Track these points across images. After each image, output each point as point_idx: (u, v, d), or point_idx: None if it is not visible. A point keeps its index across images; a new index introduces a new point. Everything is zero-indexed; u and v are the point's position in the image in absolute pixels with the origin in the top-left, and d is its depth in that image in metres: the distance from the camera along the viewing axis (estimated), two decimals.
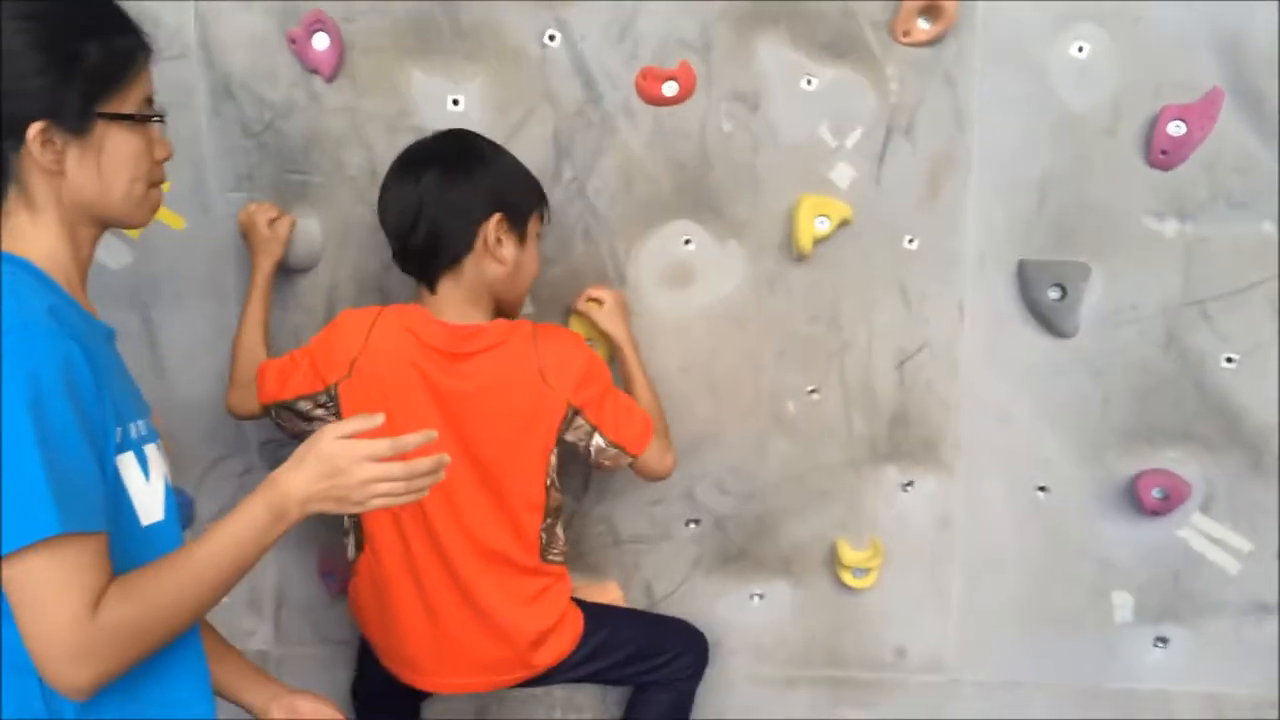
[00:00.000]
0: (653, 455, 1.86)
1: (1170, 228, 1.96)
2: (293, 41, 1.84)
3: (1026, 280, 1.99)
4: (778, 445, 2.07)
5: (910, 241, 2.00)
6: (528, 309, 1.98)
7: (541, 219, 1.82)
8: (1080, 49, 1.91)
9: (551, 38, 1.89)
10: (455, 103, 1.91)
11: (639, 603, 2.18)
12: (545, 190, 1.86)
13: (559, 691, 2.21)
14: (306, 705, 1.51)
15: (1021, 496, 2.10)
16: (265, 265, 1.87)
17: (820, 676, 2.17)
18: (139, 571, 1.18)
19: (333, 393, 1.74)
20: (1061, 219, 1.98)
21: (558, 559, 1.88)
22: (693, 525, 2.12)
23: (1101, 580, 2.12)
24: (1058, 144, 1.95)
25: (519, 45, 1.89)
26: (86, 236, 1.29)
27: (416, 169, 1.71)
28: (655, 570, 2.16)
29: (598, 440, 1.80)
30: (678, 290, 1.99)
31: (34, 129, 1.18)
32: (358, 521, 1.86)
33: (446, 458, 1.29)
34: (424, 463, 1.28)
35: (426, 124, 1.90)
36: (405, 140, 1.85)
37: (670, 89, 1.90)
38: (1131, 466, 2.05)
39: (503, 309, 1.82)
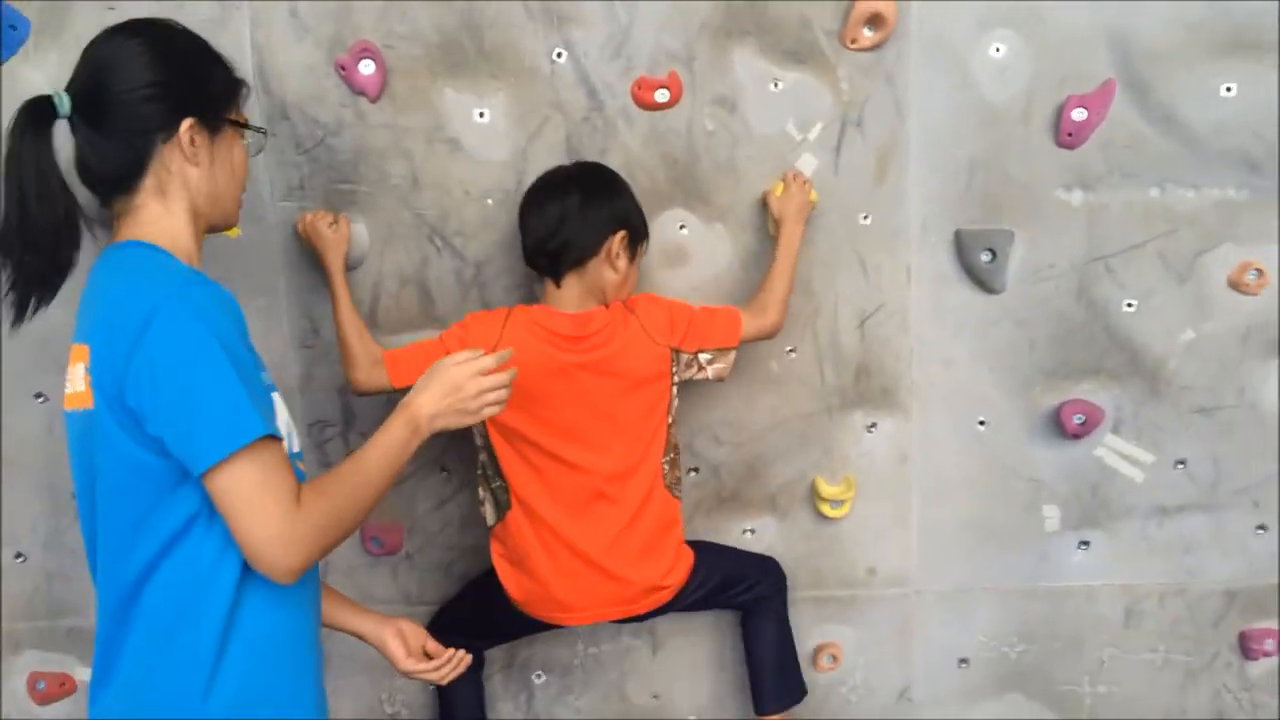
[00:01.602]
0: (752, 330, 2.22)
1: (1077, 197, 2.32)
2: (342, 68, 2.09)
3: (962, 246, 2.34)
4: (764, 398, 2.39)
5: (865, 218, 2.33)
6: None
7: (644, 247, 2.17)
8: (997, 49, 2.24)
9: (559, 55, 2.18)
10: (481, 115, 2.18)
11: None
12: None
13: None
14: (410, 629, 1.81)
15: (965, 430, 2.45)
16: (337, 260, 2.14)
17: (805, 597, 2.50)
18: (322, 476, 1.46)
19: None
20: (988, 193, 2.32)
21: (676, 490, 2.21)
22: (693, 473, 2.43)
23: (1033, 496, 2.48)
24: (982, 130, 2.28)
25: (533, 63, 2.17)
26: (200, 230, 1.55)
27: (562, 189, 2.09)
28: None
29: (703, 357, 2.17)
30: (676, 269, 2.30)
31: (187, 122, 1.46)
32: (498, 490, 2.16)
33: (515, 369, 1.62)
34: (514, 370, 1.61)
35: (458, 135, 2.19)
36: (441, 150, 2.15)
37: (662, 95, 2.20)
38: (1055, 399, 2.41)
39: None
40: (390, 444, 1.51)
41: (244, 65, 2.07)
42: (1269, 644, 2.54)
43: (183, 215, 1.50)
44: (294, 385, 2.31)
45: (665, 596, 2.22)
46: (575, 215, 2.05)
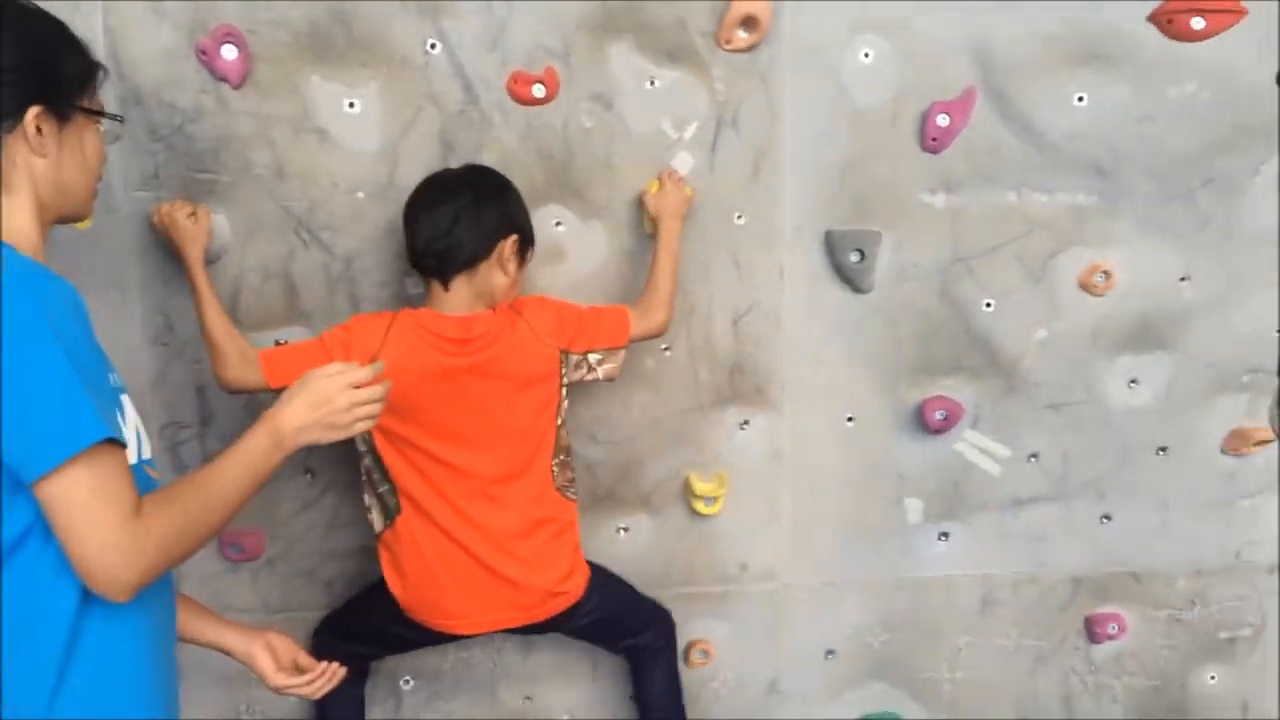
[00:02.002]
0: (640, 329, 2.23)
1: (940, 200, 2.39)
2: (203, 52, 1.98)
3: (833, 247, 2.39)
4: (639, 397, 2.39)
5: (739, 218, 2.35)
6: None
7: (532, 252, 2.13)
8: (866, 54, 2.28)
9: (433, 46, 2.12)
10: (351, 105, 2.10)
11: None
12: None
13: None
14: (279, 642, 1.72)
15: (835, 427, 2.50)
16: (197, 253, 2.03)
17: (679, 593, 2.51)
18: (170, 485, 1.34)
19: None
20: (857, 195, 2.37)
21: (569, 493, 2.19)
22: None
23: (898, 490, 2.56)
24: (852, 133, 2.33)
25: (405, 53, 2.11)
26: (47, 223, 1.42)
27: (453, 190, 2.05)
28: None
29: (593, 357, 2.15)
30: (553, 266, 2.27)
31: (33, 110, 1.34)
32: (385, 494, 2.09)
33: (390, 382, 1.54)
34: (388, 384, 1.53)
35: (327, 125, 2.11)
36: (309, 139, 2.07)
37: (539, 91, 2.17)
38: (918, 395, 2.48)
39: None
40: (249, 456, 1.40)
41: (96, 48, 1.93)
42: (1113, 628, 2.68)
43: (26, 210, 1.36)
44: (146, 385, 2.19)
45: (563, 603, 2.20)
46: (467, 218, 2.01)
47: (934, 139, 2.34)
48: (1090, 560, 2.67)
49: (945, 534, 2.60)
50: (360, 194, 2.16)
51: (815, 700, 2.64)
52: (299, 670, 1.72)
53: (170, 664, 1.47)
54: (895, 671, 2.66)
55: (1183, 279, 2.46)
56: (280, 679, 1.70)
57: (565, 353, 2.13)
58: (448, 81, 2.14)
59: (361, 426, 1.49)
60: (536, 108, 2.18)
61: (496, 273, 2.06)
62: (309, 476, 2.31)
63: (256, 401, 2.22)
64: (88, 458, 1.21)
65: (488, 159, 2.17)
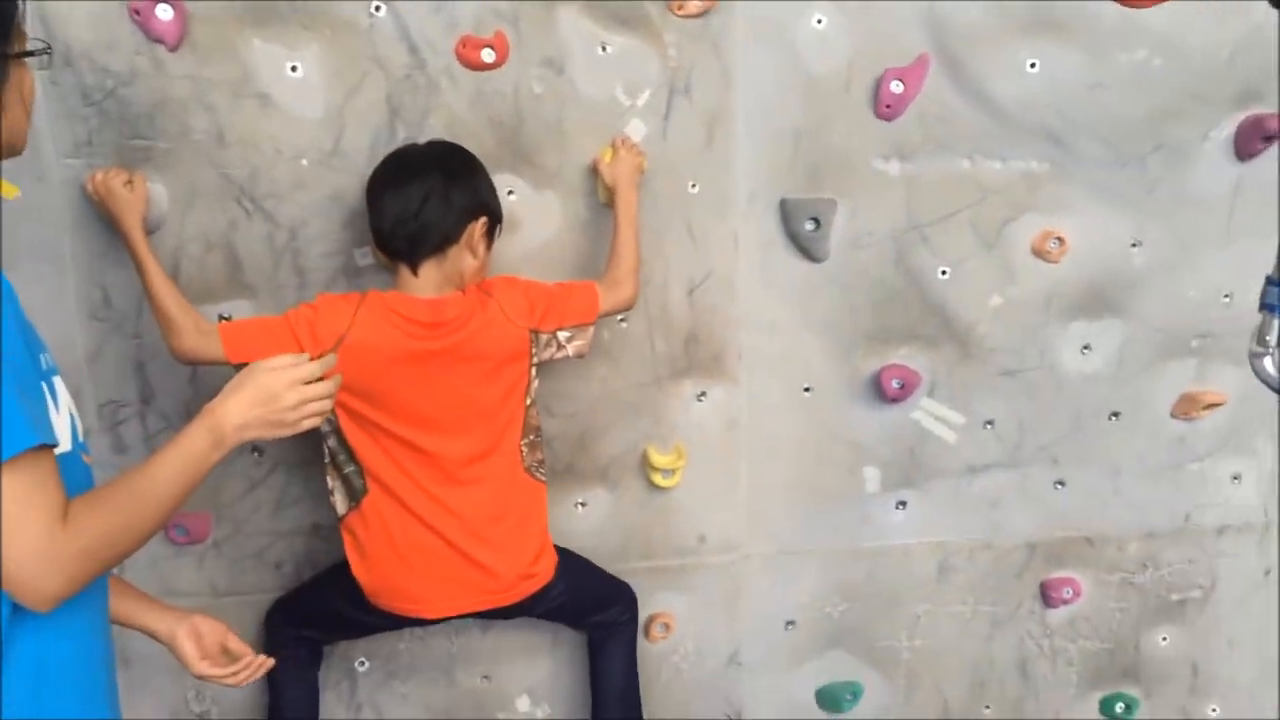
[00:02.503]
0: (609, 304, 2.19)
1: (894, 168, 2.37)
2: (137, 13, 1.90)
3: (788, 215, 2.37)
4: (596, 369, 2.36)
5: (693, 186, 2.31)
6: None
7: (499, 231, 2.12)
8: (819, 21, 2.25)
9: (377, 8, 2.05)
10: (294, 69, 2.03)
11: None
12: (382, 149, 2.07)
13: None
14: (207, 626, 1.65)
15: (791, 396, 2.49)
16: (135, 221, 1.95)
17: (638, 568, 2.49)
18: (99, 489, 1.26)
19: None
20: (811, 163, 2.34)
21: (539, 473, 2.17)
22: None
23: (855, 459, 2.55)
24: (806, 100, 2.30)
25: (349, 15, 2.04)
26: None
27: (420, 169, 2.00)
28: None
29: (563, 335, 2.11)
30: (506, 236, 2.20)
31: None
32: (351, 475, 2.04)
33: (341, 377, 1.49)
34: (338, 379, 1.46)
35: (268, 89, 2.04)
36: (250, 104, 2.00)
37: (488, 55, 2.11)
38: (874, 364, 2.48)
39: None
40: (186, 455, 1.32)
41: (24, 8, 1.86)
42: (1068, 592, 2.71)
43: None
44: (82, 361, 2.12)
45: (532, 587, 2.17)
46: (437, 199, 1.97)
47: (888, 106, 2.32)
48: (1045, 526, 2.68)
49: (903, 502, 2.60)
50: (304, 161, 2.09)
51: (776, 671, 2.64)
52: (228, 655, 1.65)
53: (108, 659, 1.40)
54: (854, 640, 2.66)
55: (1134, 245, 2.47)
56: (203, 667, 1.63)
57: (535, 332, 2.09)
58: (393, 45, 2.07)
59: (308, 424, 1.42)
60: (486, 73, 2.12)
61: (466, 255, 2.03)
62: (256, 455, 2.25)
63: (201, 379, 2.16)
64: (12, 465, 1.13)
65: (435, 125, 2.12)
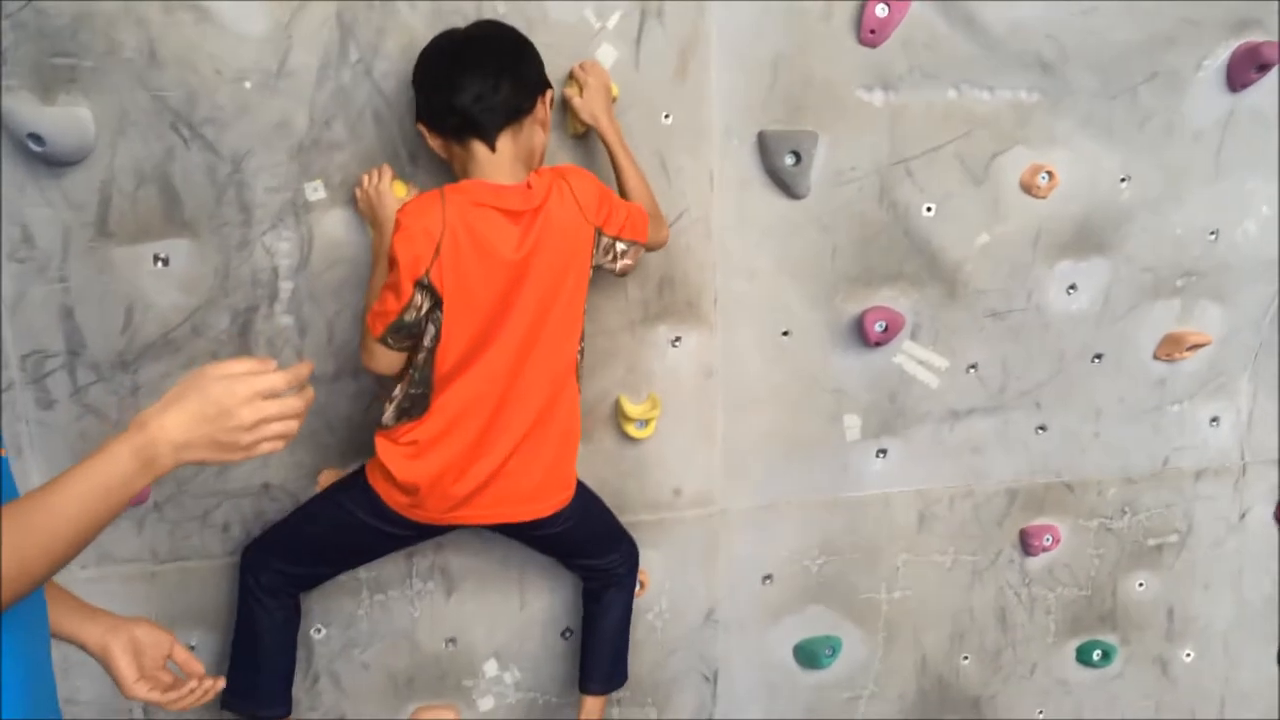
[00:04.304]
0: (654, 235, 2.11)
1: (878, 97, 2.25)
2: None
3: (766, 149, 2.23)
4: None
5: (666, 118, 2.16)
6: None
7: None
8: None
9: None
10: None
11: None
12: (333, 72, 1.89)
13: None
14: (149, 639, 1.41)
15: (769, 342, 2.37)
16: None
17: None
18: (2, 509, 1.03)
19: (426, 283, 1.80)
20: (790, 93, 2.20)
21: (580, 381, 2.08)
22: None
23: (835, 407, 2.44)
24: (785, 26, 2.16)
25: None
26: None
27: (488, 44, 1.87)
28: None
29: (619, 246, 2.01)
30: None
31: None
32: (417, 396, 1.92)
33: (311, 391, 1.21)
34: (310, 395, 1.18)
35: (205, 1, 1.82)
36: (184, 18, 1.80)
37: None
38: (856, 306, 2.36)
39: None
40: (106, 480, 1.07)
41: None
42: (1047, 539, 2.64)
43: None
44: (3, 309, 1.91)
45: (564, 499, 2.09)
46: (510, 69, 1.85)
47: (872, 30, 2.18)
48: (1025, 471, 2.61)
49: (883, 450, 2.50)
50: (247, 83, 1.89)
51: (753, 627, 2.53)
52: (168, 683, 1.40)
53: (44, 670, 1.20)
54: (833, 594, 2.57)
55: (1123, 180, 2.38)
56: (139, 690, 1.38)
57: (599, 231, 1.97)
58: None
59: (266, 449, 1.15)
60: None
61: (538, 130, 1.94)
62: None
63: (137, 327, 1.97)
64: None
65: (391, 45, 1.93)
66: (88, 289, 1.89)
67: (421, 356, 1.91)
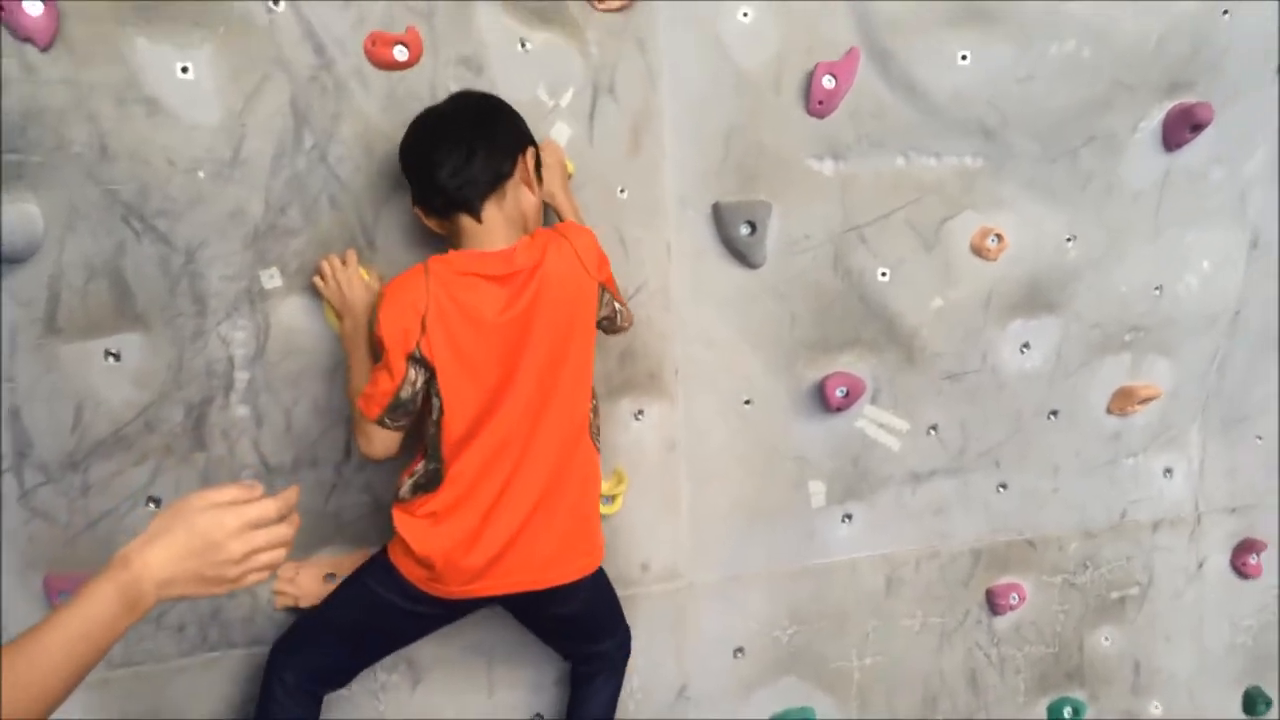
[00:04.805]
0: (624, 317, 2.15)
1: (828, 167, 2.28)
2: (1, 9, 1.65)
3: (721, 219, 2.24)
4: None
5: (622, 192, 2.17)
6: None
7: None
8: (745, 14, 2.14)
9: (277, 3, 1.84)
10: (184, 70, 1.80)
11: None
12: (288, 159, 1.87)
13: None
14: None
15: (731, 411, 2.36)
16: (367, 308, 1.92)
17: None
18: None
19: (417, 356, 1.78)
20: (744, 164, 2.22)
21: (597, 442, 2.03)
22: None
23: (799, 474, 2.43)
24: (735, 98, 2.18)
25: (244, 11, 1.83)
26: None
27: (460, 116, 1.86)
28: None
29: (617, 306, 2.02)
30: (427, 251, 2.01)
31: None
32: (432, 471, 1.88)
33: (298, 518, 1.17)
34: (296, 521, 1.14)
35: (157, 93, 1.80)
36: (137, 111, 1.77)
37: (401, 53, 1.93)
38: (817, 373, 2.37)
39: None
40: (92, 624, 1.02)
41: None
42: (1014, 598, 2.64)
43: None
44: None
45: (589, 565, 2.03)
46: (485, 138, 1.85)
47: (820, 102, 2.22)
48: (988, 530, 2.62)
49: (849, 515, 2.49)
50: (201, 173, 1.86)
51: (726, 702, 2.49)
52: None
53: None
54: (805, 665, 2.54)
55: (1068, 239, 2.43)
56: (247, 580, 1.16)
57: (603, 288, 1.97)
58: (296, 43, 1.86)
59: (253, 580, 1.11)
60: (399, 72, 1.94)
61: (524, 191, 1.92)
62: (152, 506, 2.00)
63: (87, 426, 1.91)
64: None
65: (346, 130, 1.92)
66: (35, 388, 1.83)
67: (432, 431, 1.87)
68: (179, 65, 1.81)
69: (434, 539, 1.88)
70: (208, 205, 1.88)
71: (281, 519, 1.13)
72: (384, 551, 2.00)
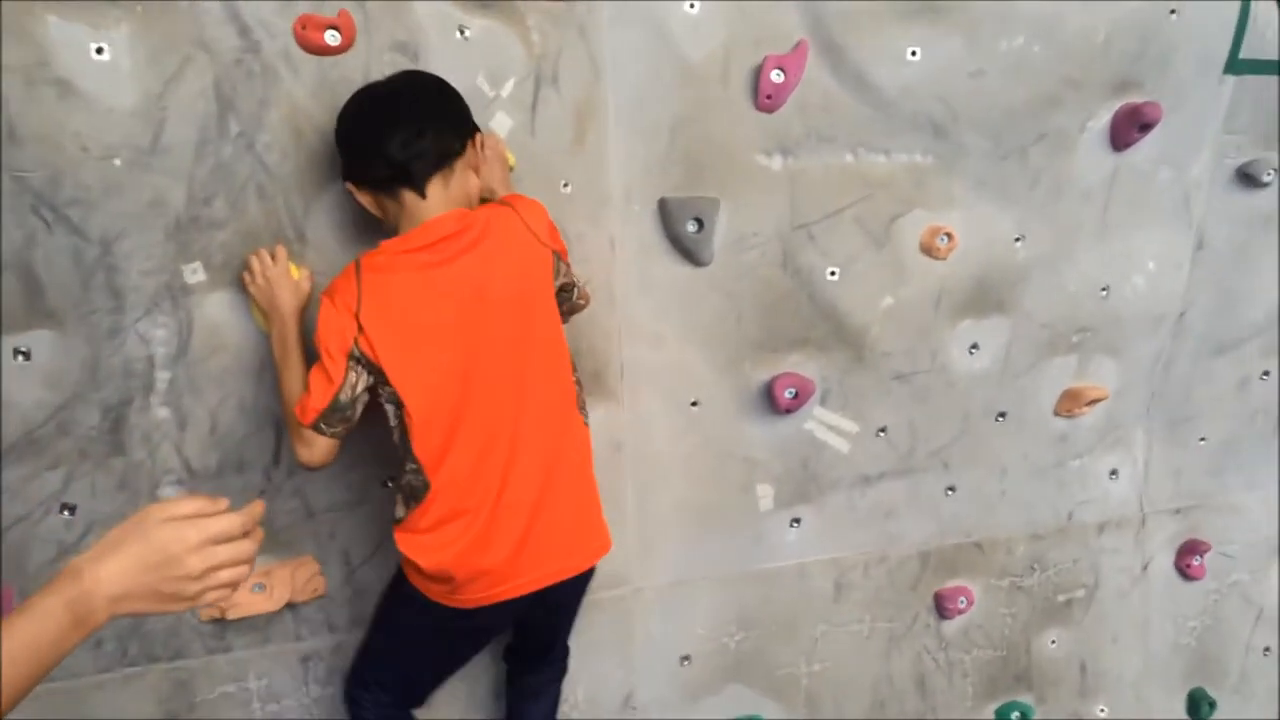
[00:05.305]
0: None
1: (777, 162, 2.22)
2: None
3: (668, 216, 2.18)
4: None
5: (565, 186, 2.10)
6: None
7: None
8: (692, 5, 2.07)
9: None
10: (99, 51, 1.69)
11: (337, 572, 2.12)
12: (212, 146, 1.78)
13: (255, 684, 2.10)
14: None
15: (677, 412, 2.30)
16: (299, 315, 1.84)
17: None
18: None
19: (357, 354, 1.67)
20: (690, 158, 2.16)
21: (586, 417, 1.93)
22: (390, 484, 2.09)
23: (747, 476, 2.38)
24: (681, 90, 2.11)
25: None
26: None
27: (412, 91, 1.78)
28: (351, 537, 2.11)
29: (575, 277, 1.94)
30: (361, 245, 1.93)
31: None
32: (411, 475, 1.77)
33: (261, 532, 1.10)
34: (260, 535, 1.07)
35: (69, 75, 1.68)
36: (46, 93, 1.66)
37: (332, 38, 1.83)
38: (765, 373, 2.31)
39: None
40: (38, 640, 0.95)
41: None
42: (961, 601, 2.61)
43: None
44: None
45: (606, 543, 1.97)
46: (436, 113, 1.77)
47: (769, 96, 2.16)
48: (936, 533, 2.59)
49: (797, 519, 2.44)
50: (117, 160, 1.75)
51: (673, 710, 2.43)
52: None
53: None
54: (752, 671, 2.49)
55: (1017, 239, 2.40)
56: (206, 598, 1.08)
57: (557, 257, 1.87)
58: (220, 24, 1.76)
59: (212, 598, 1.04)
60: (330, 58, 1.84)
61: (470, 175, 1.83)
62: (67, 514, 1.89)
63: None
64: None
65: (275, 116, 1.82)
66: None
67: (397, 437, 1.78)
68: (94, 46, 1.70)
69: (443, 549, 1.78)
70: (125, 194, 1.78)
71: (245, 534, 1.06)
72: (400, 580, 1.92)
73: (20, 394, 1.82)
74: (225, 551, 1.03)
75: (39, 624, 0.95)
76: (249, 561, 1.05)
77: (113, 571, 0.98)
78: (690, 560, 2.38)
